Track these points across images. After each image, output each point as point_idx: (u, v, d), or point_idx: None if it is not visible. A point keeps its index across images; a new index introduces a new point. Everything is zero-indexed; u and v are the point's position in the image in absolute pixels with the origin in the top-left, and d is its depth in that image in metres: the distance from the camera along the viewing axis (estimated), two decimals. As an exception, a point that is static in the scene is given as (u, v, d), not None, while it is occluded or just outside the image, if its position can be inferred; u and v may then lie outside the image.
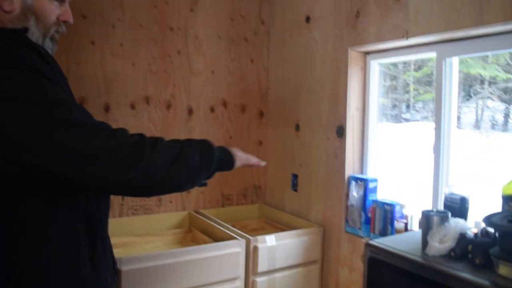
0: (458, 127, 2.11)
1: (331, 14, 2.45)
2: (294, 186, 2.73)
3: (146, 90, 2.57)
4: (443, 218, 1.47)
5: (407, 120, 2.74)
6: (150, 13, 2.55)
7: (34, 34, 1.05)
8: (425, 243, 1.47)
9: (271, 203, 2.96)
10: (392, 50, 2.27)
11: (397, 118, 2.76)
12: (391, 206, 2.13)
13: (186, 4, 2.66)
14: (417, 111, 2.76)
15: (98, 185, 0.92)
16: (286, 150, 2.82)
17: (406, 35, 2.02)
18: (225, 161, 1.19)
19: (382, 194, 2.33)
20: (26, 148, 0.85)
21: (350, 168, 2.38)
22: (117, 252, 2.00)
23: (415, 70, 2.74)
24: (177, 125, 2.67)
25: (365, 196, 2.27)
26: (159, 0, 2.57)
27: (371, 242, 1.59)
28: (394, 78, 2.78)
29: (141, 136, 1.00)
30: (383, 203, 2.17)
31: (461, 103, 2.24)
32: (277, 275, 2.27)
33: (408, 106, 2.79)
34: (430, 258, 1.42)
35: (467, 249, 1.40)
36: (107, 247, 1.15)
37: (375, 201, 2.22)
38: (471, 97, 2.49)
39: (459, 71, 2.05)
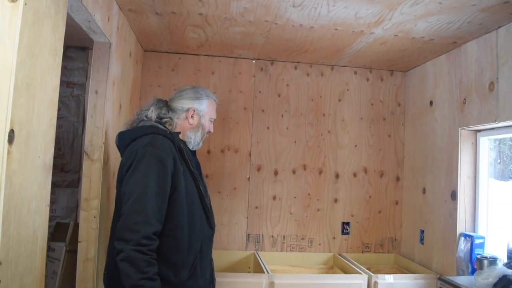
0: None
1: (447, 100, 3.05)
2: (421, 240, 3.27)
3: (304, 160, 3.53)
4: (491, 262, 1.98)
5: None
6: (308, 105, 3.55)
7: (197, 138, 2.05)
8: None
9: (404, 253, 3.52)
10: (497, 129, 2.76)
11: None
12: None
13: (335, 96, 3.59)
14: None
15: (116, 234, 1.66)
16: (416, 209, 3.40)
17: (496, 119, 2.54)
18: None
19: (494, 249, 2.73)
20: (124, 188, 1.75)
21: (462, 226, 2.86)
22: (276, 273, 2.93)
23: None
24: (326, 186, 3.54)
25: (471, 250, 2.72)
26: (315, 95, 3.57)
27: (442, 277, 2.15)
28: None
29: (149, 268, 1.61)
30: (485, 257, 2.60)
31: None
32: (395, 308, 2.85)
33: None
34: (478, 290, 1.95)
35: (507, 286, 1.88)
36: (206, 264, 1.93)
37: (478, 255, 2.66)
38: None
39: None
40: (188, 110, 2.04)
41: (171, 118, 2.01)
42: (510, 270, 1.92)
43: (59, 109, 3.49)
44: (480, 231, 2.84)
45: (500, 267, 1.94)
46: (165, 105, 2.06)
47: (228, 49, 3.31)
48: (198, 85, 2.19)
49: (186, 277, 1.80)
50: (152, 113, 1.97)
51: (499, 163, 3.04)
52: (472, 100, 2.77)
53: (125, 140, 1.92)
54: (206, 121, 2.09)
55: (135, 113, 2.09)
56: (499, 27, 2.54)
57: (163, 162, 1.75)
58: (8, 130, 1.13)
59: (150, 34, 3.00)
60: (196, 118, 2.05)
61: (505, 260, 2.05)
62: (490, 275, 1.91)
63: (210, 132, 2.15)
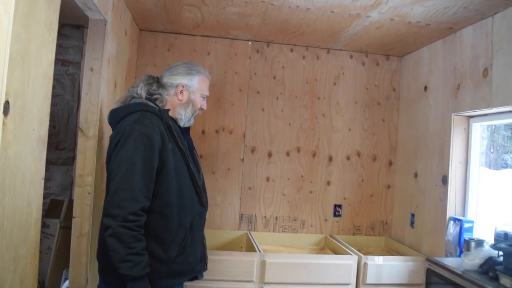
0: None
1: (441, 85, 3.07)
2: (412, 224, 3.32)
3: (298, 142, 3.55)
4: (478, 244, 2.02)
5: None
6: (303, 88, 3.56)
7: (187, 114, 2.02)
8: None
9: (395, 237, 3.57)
10: (489, 115, 2.78)
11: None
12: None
13: (330, 79, 3.60)
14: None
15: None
16: (407, 193, 3.44)
17: (489, 105, 2.56)
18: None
19: (482, 233, 2.78)
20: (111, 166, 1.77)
21: (452, 210, 2.91)
22: (268, 253, 2.97)
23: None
24: (319, 169, 3.57)
25: (460, 234, 2.77)
26: (310, 78, 3.57)
27: (429, 258, 2.20)
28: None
29: (135, 240, 1.65)
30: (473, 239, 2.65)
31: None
32: (383, 288, 2.91)
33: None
34: (464, 271, 1.99)
35: (492, 267, 1.93)
36: (197, 242, 1.94)
37: (466, 239, 2.71)
38: None
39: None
40: (177, 86, 2.02)
41: (161, 95, 2.00)
42: (496, 252, 1.97)
43: (54, 87, 3.50)
44: (470, 216, 2.88)
45: (487, 249, 1.98)
46: (156, 81, 2.04)
47: (224, 30, 3.30)
48: (190, 61, 2.17)
49: (175, 254, 1.83)
50: (141, 90, 1.97)
51: (492, 152, 3.09)
52: (466, 86, 2.79)
53: (116, 118, 1.93)
54: (196, 97, 2.06)
55: (127, 90, 2.09)
56: (495, 13, 2.54)
57: (150, 139, 1.75)
58: (3, 101, 1.14)
59: (146, 13, 2.98)
60: (185, 94, 2.03)
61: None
62: (476, 257, 1.95)
63: (202, 108, 2.12)
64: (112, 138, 1.84)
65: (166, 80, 2.04)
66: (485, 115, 2.81)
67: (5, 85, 1.15)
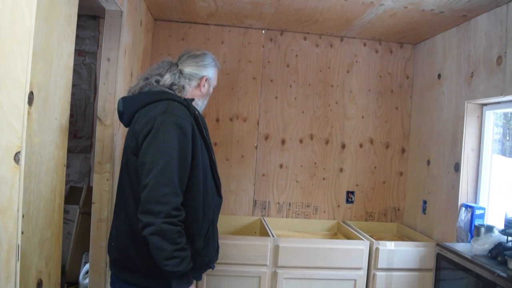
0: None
1: (454, 73, 3.07)
2: (424, 210, 3.35)
3: (311, 130, 3.59)
4: (488, 229, 2.05)
5: None
6: (316, 75, 3.58)
7: (203, 106, 2.01)
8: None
9: (407, 223, 3.61)
10: (503, 103, 2.78)
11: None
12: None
13: (343, 67, 3.61)
14: None
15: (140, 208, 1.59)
16: (419, 180, 3.46)
17: (502, 93, 2.56)
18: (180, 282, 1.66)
19: (494, 220, 2.80)
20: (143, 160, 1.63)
21: (464, 197, 2.93)
22: (281, 238, 3.02)
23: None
24: (332, 156, 3.61)
25: (471, 220, 2.79)
26: (323, 66, 3.59)
27: (440, 243, 2.23)
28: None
29: (179, 236, 1.58)
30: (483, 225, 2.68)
31: None
32: (395, 273, 2.95)
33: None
34: (473, 256, 2.02)
35: (501, 252, 1.96)
36: (215, 233, 1.94)
37: (476, 224, 2.74)
38: None
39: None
40: (201, 78, 1.93)
41: (183, 86, 1.90)
42: (505, 237, 1.99)
43: (72, 76, 3.54)
44: (481, 203, 2.90)
45: (496, 235, 2.01)
46: (178, 71, 1.91)
47: (238, 19, 3.33)
48: (207, 51, 2.08)
49: (201, 246, 1.80)
50: (167, 81, 1.85)
51: (508, 140, 3.08)
52: (480, 74, 2.79)
53: (132, 106, 1.81)
54: (211, 89, 2.03)
55: (140, 78, 1.93)
56: (510, 1, 2.53)
57: (183, 130, 1.66)
58: (28, 92, 1.21)
59: (161, 3, 3.03)
60: (207, 86, 1.97)
61: (502, 230, 2.12)
62: (486, 242, 1.99)
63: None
64: (139, 130, 1.70)
65: (191, 70, 1.92)
66: (499, 103, 2.81)
67: (29, 77, 1.21)
